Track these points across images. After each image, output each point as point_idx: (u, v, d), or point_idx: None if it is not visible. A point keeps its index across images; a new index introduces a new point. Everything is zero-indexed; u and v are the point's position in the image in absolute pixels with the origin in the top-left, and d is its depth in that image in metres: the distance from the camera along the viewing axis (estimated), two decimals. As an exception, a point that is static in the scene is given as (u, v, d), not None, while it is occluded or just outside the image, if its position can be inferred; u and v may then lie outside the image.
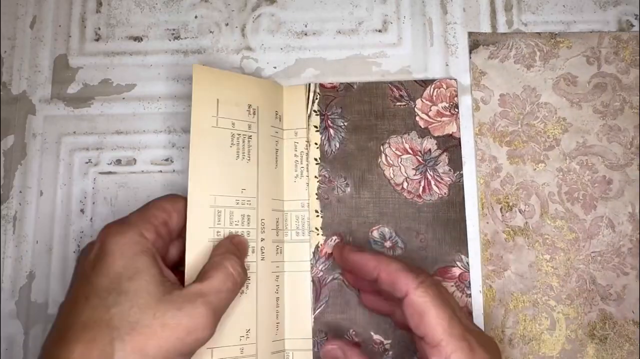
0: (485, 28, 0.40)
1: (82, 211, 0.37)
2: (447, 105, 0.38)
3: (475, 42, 0.39)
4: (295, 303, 0.35)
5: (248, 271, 0.33)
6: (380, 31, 0.40)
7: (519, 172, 0.37)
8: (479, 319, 0.36)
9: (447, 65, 0.39)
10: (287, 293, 0.35)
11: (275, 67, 0.39)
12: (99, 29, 0.40)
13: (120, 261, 0.28)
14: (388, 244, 0.36)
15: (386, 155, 0.37)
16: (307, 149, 0.37)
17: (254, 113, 0.35)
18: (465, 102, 0.39)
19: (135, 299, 0.27)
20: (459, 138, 0.37)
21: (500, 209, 0.37)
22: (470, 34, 0.39)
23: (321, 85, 0.38)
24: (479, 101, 0.38)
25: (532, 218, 0.37)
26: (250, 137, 0.35)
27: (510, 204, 0.37)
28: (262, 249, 0.34)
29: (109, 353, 0.25)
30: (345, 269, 0.35)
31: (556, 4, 0.40)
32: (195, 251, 0.31)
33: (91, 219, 0.37)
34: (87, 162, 0.38)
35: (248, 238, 0.34)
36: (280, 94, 0.38)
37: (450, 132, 0.37)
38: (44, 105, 0.39)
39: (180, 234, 0.32)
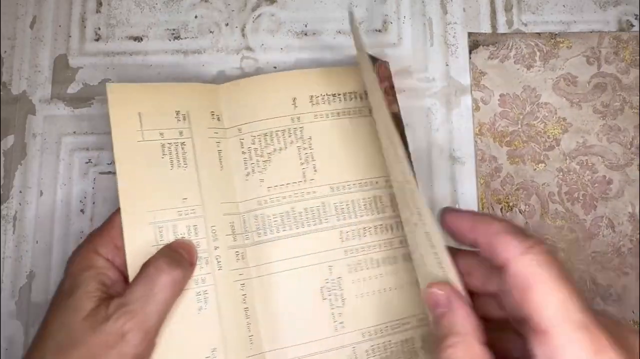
0: (485, 28, 0.40)
1: (82, 211, 0.37)
2: (388, 84, 0.37)
3: (475, 42, 0.39)
4: (271, 310, 0.32)
5: (205, 285, 0.31)
6: (380, 31, 0.40)
7: (519, 173, 0.37)
8: (479, 319, 0.36)
9: (447, 65, 0.39)
10: (258, 301, 0.32)
11: (275, 67, 0.39)
12: (99, 29, 0.40)
13: (67, 280, 0.29)
14: None
15: None
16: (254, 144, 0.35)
17: (184, 119, 0.33)
18: (465, 102, 0.39)
19: (66, 317, 0.27)
20: (401, 118, 0.36)
21: (501, 209, 0.37)
22: (470, 34, 0.39)
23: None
24: (479, 101, 0.38)
25: (532, 218, 0.37)
26: (183, 143, 0.33)
27: (511, 204, 0.37)
28: (217, 259, 0.32)
29: None
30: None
31: (556, 4, 0.40)
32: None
33: (91, 219, 0.37)
34: (87, 162, 0.38)
35: (199, 249, 0.31)
36: (215, 94, 0.35)
37: (395, 112, 0.36)
38: (44, 105, 0.39)
39: None
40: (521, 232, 0.23)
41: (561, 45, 0.39)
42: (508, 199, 0.37)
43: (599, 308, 0.36)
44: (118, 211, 0.31)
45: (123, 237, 0.30)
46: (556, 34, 0.39)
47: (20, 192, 0.38)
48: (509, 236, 0.23)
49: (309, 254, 0.33)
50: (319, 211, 0.34)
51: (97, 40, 0.40)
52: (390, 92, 0.37)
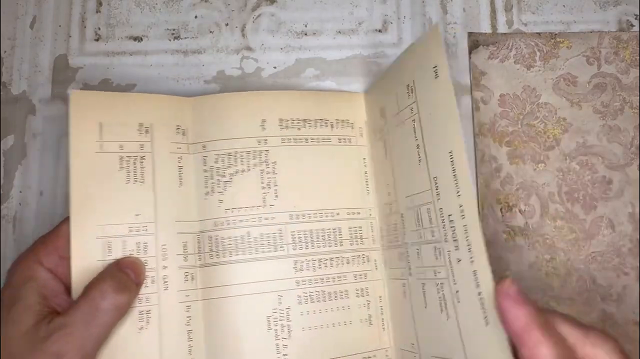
0: (485, 28, 0.40)
1: (82, 211, 0.37)
2: None
3: (475, 42, 0.39)
4: (214, 335, 0.31)
5: (148, 304, 0.30)
6: (380, 31, 0.40)
7: (519, 173, 0.37)
8: (479, 319, 0.36)
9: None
10: (202, 325, 0.31)
11: (275, 67, 0.39)
12: (99, 29, 0.40)
13: (7, 290, 0.28)
14: None
15: None
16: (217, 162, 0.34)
17: (146, 131, 0.32)
18: (465, 102, 0.39)
19: (6, 331, 0.26)
20: None
21: (500, 209, 0.37)
22: (470, 34, 0.39)
23: None
24: (479, 101, 0.38)
25: (532, 218, 0.37)
26: (143, 157, 0.32)
27: (510, 204, 0.37)
28: (164, 279, 0.31)
29: None
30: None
31: (556, 4, 0.40)
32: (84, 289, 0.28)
33: (91, 219, 0.37)
34: (87, 162, 0.38)
35: (147, 267, 0.31)
36: (184, 108, 0.34)
37: None
38: (44, 105, 0.39)
39: None
40: (562, 343, 0.23)
41: (561, 45, 0.39)
42: (508, 199, 0.37)
43: (599, 308, 0.36)
44: (66, 220, 0.30)
45: (69, 249, 0.29)
46: (556, 34, 0.39)
47: (20, 192, 0.38)
48: (541, 347, 0.22)
49: (260, 282, 0.32)
50: (274, 238, 0.33)
51: (97, 40, 0.40)
52: None
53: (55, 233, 0.30)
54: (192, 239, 0.32)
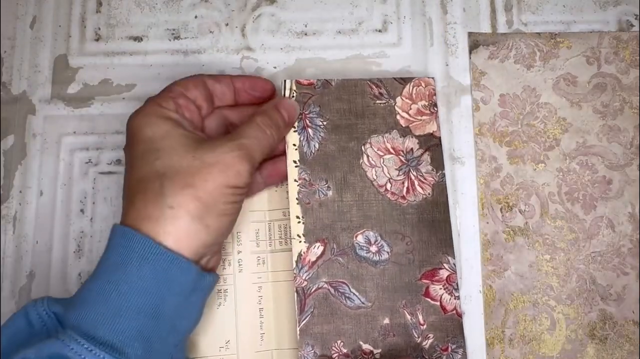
0: (485, 28, 0.40)
1: (82, 211, 0.37)
2: (426, 103, 0.37)
3: (475, 42, 0.39)
4: (280, 314, 0.35)
5: (225, 284, 0.35)
6: (380, 31, 0.40)
7: (519, 172, 0.37)
8: (479, 319, 0.36)
9: (447, 65, 0.39)
10: (271, 304, 0.35)
11: (275, 67, 0.39)
12: (99, 29, 0.40)
13: (147, 128, 0.30)
14: (374, 248, 0.35)
15: (368, 155, 0.36)
16: (285, 151, 0.36)
17: None
18: (465, 102, 0.39)
19: (172, 151, 0.29)
20: (440, 137, 0.37)
21: (500, 209, 0.37)
22: (470, 34, 0.39)
23: (297, 82, 0.36)
24: (479, 101, 0.38)
25: (532, 218, 0.37)
26: None
27: (510, 204, 0.37)
28: (239, 262, 0.35)
29: (160, 192, 0.28)
30: None
31: (556, 4, 0.40)
32: None
33: (91, 219, 0.37)
34: (87, 162, 0.38)
35: (224, 252, 0.34)
36: None
37: (431, 131, 0.37)
38: (44, 105, 0.39)
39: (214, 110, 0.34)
40: None
41: (561, 45, 0.39)
42: (508, 199, 0.37)
43: (599, 308, 0.36)
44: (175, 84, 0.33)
45: (195, 89, 0.33)
46: (556, 34, 0.39)
47: (20, 192, 0.38)
48: None
49: None
50: None
51: (97, 40, 0.40)
52: (425, 112, 0.37)
53: (171, 84, 0.33)
54: (264, 226, 0.36)
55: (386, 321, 0.34)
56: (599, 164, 0.37)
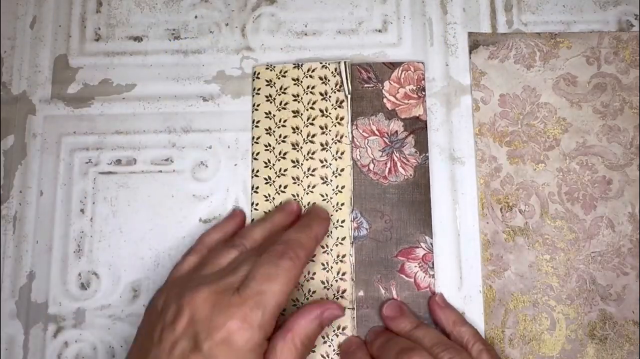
0: (485, 28, 0.40)
1: (82, 211, 0.37)
2: (414, 88, 0.38)
3: (475, 42, 0.39)
4: None
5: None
6: (380, 31, 0.40)
7: (519, 172, 0.37)
8: (479, 319, 0.36)
9: (447, 65, 0.39)
10: None
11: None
12: (99, 29, 0.40)
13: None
14: (353, 225, 0.36)
15: (353, 136, 0.37)
16: None
17: None
18: (465, 102, 0.39)
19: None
20: (425, 121, 0.38)
21: (500, 209, 0.37)
22: (470, 34, 0.39)
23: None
24: (479, 101, 0.38)
25: (532, 218, 0.37)
26: None
27: (510, 204, 0.37)
28: None
29: None
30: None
31: (556, 4, 0.40)
32: None
33: (91, 219, 0.37)
34: (87, 162, 0.38)
35: None
36: None
37: (417, 115, 0.38)
38: (44, 105, 0.39)
39: None
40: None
41: (561, 45, 0.39)
42: (508, 199, 0.37)
43: (599, 308, 0.36)
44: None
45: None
46: (556, 34, 0.39)
47: (20, 192, 0.38)
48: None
49: None
50: None
51: (97, 40, 0.40)
52: (412, 96, 0.38)
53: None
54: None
55: (361, 293, 0.35)
56: (599, 164, 0.37)
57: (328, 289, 0.35)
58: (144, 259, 0.37)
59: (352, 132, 0.37)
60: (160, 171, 0.38)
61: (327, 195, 0.37)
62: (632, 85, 0.38)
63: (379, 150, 0.37)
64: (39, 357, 0.36)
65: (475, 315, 0.36)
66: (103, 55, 0.40)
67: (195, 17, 0.40)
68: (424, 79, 0.38)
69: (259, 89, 0.38)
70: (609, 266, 0.36)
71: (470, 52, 0.39)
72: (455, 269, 0.36)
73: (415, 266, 0.36)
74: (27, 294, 0.36)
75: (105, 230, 0.37)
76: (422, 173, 0.37)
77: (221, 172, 0.38)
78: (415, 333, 0.33)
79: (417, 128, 0.37)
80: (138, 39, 0.40)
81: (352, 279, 0.36)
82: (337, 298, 0.35)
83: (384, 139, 0.37)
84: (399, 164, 0.37)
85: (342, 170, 0.37)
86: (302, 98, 0.38)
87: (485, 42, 0.39)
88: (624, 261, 0.36)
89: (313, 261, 0.36)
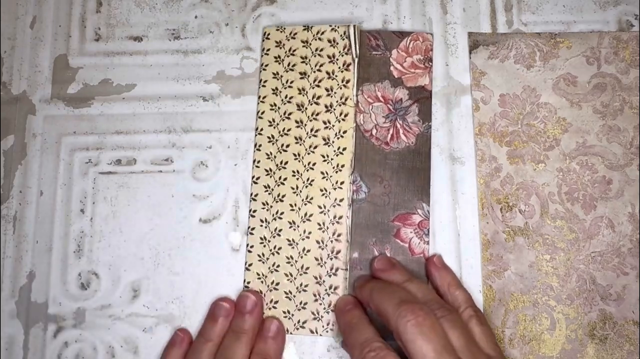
0: (485, 28, 0.40)
1: (82, 211, 0.37)
2: (421, 57, 0.38)
3: (475, 42, 0.39)
4: None
5: None
6: (380, 31, 0.40)
7: (519, 172, 0.37)
8: (479, 319, 0.36)
9: (447, 65, 0.39)
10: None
11: (275, 67, 0.39)
12: (99, 29, 0.40)
13: None
14: (352, 187, 0.37)
15: (358, 101, 0.38)
16: None
17: None
18: (465, 102, 0.39)
19: None
20: (431, 91, 0.38)
21: (500, 209, 0.37)
22: (470, 34, 0.39)
23: None
24: (479, 101, 0.38)
25: (532, 218, 0.37)
26: None
27: (510, 204, 0.37)
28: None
29: None
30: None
31: (556, 4, 0.40)
32: None
33: (91, 219, 0.37)
34: (87, 162, 0.38)
35: None
36: None
37: (423, 84, 0.38)
38: (44, 105, 0.39)
39: None
40: (399, 301, 0.30)
41: (561, 45, 0.39)
42: (508, 199, 0.37)
43: (599, 308, 0.36)
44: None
45: None
46: (556, 34, 0.39)
47: (20, 192, 0.38)
48: (387, 306, 0.30)
49: None
50: None
51: (97, 40, 0.40)
52: (419, 66, 0.38)
53: None
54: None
55: (355, 255, 0.36)
56: (598, 164, 0.37)
57: (322, 249, 0.36)
58: (144, 259, 0.37)
59: (356, 96, 0.38)
60: (160, 171, 0.38)
61: (327, 156, 0.37)
62: (632, 85, 0.38)
63: (383, 116, 0.38)
64: (39, 357, 0.36)
65: (475, 315, 0.36)
66: (103, 55, 0.40)
67: (195, 17, 0.40)
68: (431, 50, 0.39)
69: (268, 50, 0.39)
70: (609, 266, 0.36)
71: (470, 52, 0.39)
72: (455, 269, 0.36)
73: (411, 232, 0.36)
74: (27, 294, 0.36)
75: (105, 230, 0.37)
76: (424, 141, 0.37)
77: (221, 172, 0.38)
78: (408, 286, 0.33)
79: (422, 97, 0.38)
80: (138, 39, 0.40)
81: (347, 241, 0.36)
82: (331, 258, 0.36)
83: (388, 105, 0.38)
84: (401, 131, 0.37)
85: (345, 132, 0.37)
86: (309, 60, 0.38)
87: (485, 42, 0.39)
88: (624, 261, 0.36)
89: (309, 220, 0.36)
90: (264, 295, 0.36)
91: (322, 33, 0.38)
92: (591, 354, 0.35)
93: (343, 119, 0.37)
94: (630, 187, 0.37)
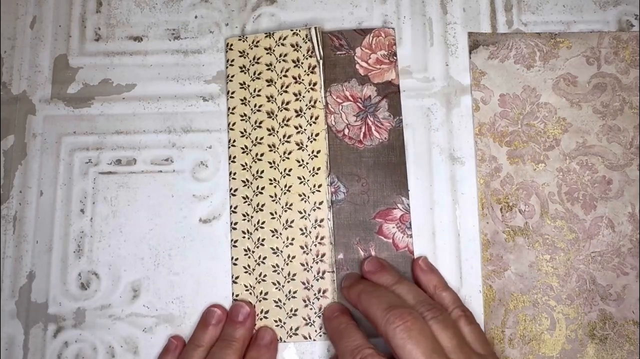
0: (485, 28, 0.40)
1: (82, 211, 0.37)
2: (385, 53, 0.39)
3: (475, 42, 0.39)
4: None
5: None
6: (380, 31, 0.40)
7: (519, 172, 0.37)
8: (479, 319, 0.36)
9: (447, 65, 0.39)
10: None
11: (275, 67, 0.39)
12: (99, 29, 0.40)
13: None
14: (330, 189, 0.37)
15: (327, 103, 0.38)
16: None
17: None
18: (465, 102, 0.39)
19: None
20: (398, 85, 0.38)
21: (500, 209, 0.37)
22: (470, 34, 0.39)
23: None
24: (478, 101, 0.38)
25: (532, 218, 0.37)
26: None
27: (510, 204, 0.37)
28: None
29: None
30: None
31: (556, 4, 0.40)
32: None
33: (91, 219, 0.37)
34: (87, 162, 0.38)
35: None
36: None
37: (390, 79, 0.38)
38: (44, 105, 0.39)
39: None
40: (388, 304, 0.30)
41: (561, 45, 0.39)
42: (508, 199, 0.37)
43: (599, 308, 0.36)
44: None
45: None
46: (556, 34, 0.39)
47: (20, 192, 0.38)
48: (375, 310, 0.30)
49: None
50: None
51: (97, 40, 0.40)
52: (384, 61, 0.38)
53: None
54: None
55: (340, 256, 0.36)
56: (598, 164, 0.37)
57: (307, 253, 0.36)
58: (144, 259, 0.37)
59: (325, 98, 0.38)
60: (160, 171, 0.38)
61: (303, 160, 0.37)
62: (632, 85, 0.38)
63: (353, 115, 0.38)
64: (39, 357, 0.36)
65: (476, 315, 0.36)
66: (103, 55, 0.40)
67: (195, 17, 0.40)
68: (395, 44, 0.39)
69: (232, 61, 0.39)
70: (609, 266, 0.36)
71: (470, 52, 0.39)
72: (455, 269, 0.36)
73: (393, 227, 0.36)
74: (27, 294, 0.36)
75: (105, 230, 0.37)
76: (397, 136, 0.38)
77: (221, 172, 0.38)
78: (398, 289, 0.33)
79: (390, 92, 0.38)
80: (138, 39, 0.40)
81: (331, 243, 0.36)
82: (317, 262, 0.36)
83: (358, 104, 0.38)
84: (373, 128, 0.38)
85: (317, 135, 0.37)
86: (275, 67, 0.38)
87: (485, 42, 0.39)
88: (624, 261, 0.36)
89: (291, 226, 0.36)
90: (254, 306, 0.36)
91: (285, 38, 0.38)
92: (591, 354, 0.35)
93: (314, 122, 0.37)
94: (630, 187, 0.37)
